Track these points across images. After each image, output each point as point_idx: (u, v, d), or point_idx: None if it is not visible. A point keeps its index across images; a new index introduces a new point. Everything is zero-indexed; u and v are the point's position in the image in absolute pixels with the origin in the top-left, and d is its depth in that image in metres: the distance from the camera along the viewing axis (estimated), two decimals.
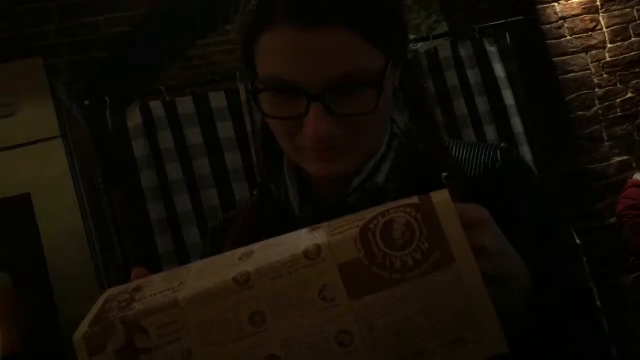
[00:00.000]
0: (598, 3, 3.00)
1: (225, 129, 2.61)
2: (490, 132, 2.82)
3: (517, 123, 2.85)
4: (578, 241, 2.62)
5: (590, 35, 2.99)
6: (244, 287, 0.48)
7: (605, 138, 2.94)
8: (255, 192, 0.78)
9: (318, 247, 0.48)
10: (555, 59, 2.94)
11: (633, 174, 2.81)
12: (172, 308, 0.49)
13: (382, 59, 0.62)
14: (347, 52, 0.59)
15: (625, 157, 2.93)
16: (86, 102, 2.60)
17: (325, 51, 0.59)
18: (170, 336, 0.48)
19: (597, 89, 2.96)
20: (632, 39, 3.03)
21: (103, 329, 0.49)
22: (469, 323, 0.47)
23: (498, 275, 0.51)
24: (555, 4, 2.97)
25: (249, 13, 0.63)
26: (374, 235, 0.48)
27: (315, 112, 0.60)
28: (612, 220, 2.80)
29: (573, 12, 2.98)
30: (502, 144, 0.72)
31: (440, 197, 0.49)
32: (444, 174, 0.65)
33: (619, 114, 2.97)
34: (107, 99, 2.54)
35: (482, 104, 2.84)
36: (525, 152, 2.79)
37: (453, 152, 0.72)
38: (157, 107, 2.58)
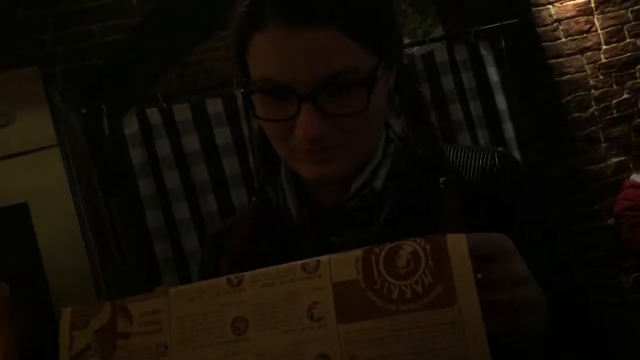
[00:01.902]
0: (592, 5, 3.01)
1: (222, 136, 2.62)
2: (482, 136, 2.83)
3: (509, 128, 2.86)
4: None
5: (586, 37, 3.00)
6: (235, 289, 0.47)
7: (602, 139, 2.94)
8: (253, 199, 0.78)
9: (318, 262, 0.47)
10: (550, 61, 2.95)
11: (630, 175, 2.81)
12: (161, 297, 0.48)
13: (373, 59, 0.62)
14: (336, 52, 0.59)
15: (622, 158, 2.93)
16: (83, 111, 2.60)
17: (314, 51, 0.59)
18: (151, 326, 0.48)
19: (593, 91, 2.97)
20: (627, 40, 3.04)
21: (91, 307, 0.49)
22: None
23: (534, 301, 0.52)
24: (550, 6, 2.98)
25: (240, 15, 0.63)
26: (378, 259, 0.45)
27: (305, 112, 0.60)
28: (610, 221, 2.81)
29: (568, 15, 2.99)
30: (499, 148, 0.72)
31: (455, 236, 0.45)
32: (442, 178, 0.65)
33: (615, 115, 2.97)
34: (103, 107, 2.54)
35: (475, 108, 2.85)
36: (517, 157, 2.80)
37: (450, 156, 0.72)
38: (154, 114, 2.58)
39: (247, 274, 0.48)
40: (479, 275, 0.48)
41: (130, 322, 0.48)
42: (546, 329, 0.56)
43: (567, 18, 2.99)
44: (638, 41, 3.05)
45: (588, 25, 3.01)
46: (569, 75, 2.95)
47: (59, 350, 0.49)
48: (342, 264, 0.46)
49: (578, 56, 2.97)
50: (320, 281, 0.46)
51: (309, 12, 0.58)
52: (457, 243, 0.45)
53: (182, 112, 2.61)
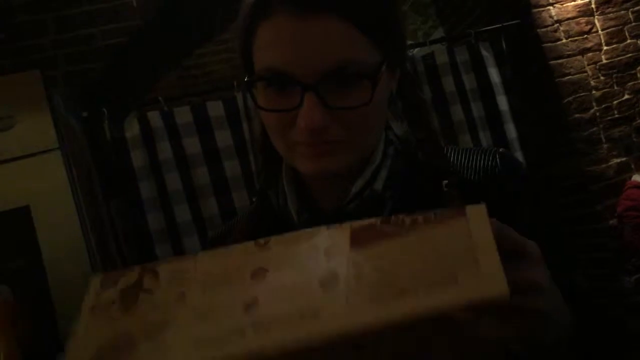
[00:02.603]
0: (593, 6, 3.01)
1: (223, 138, 2.61)
2: (484, 138, 2.83)
3: (511, 129, 2.86)
4: None
5: (586, 38, 3.00)
6: (262, 248, 0.49)
7: (603, 140, 2.94)
8: (254, 199, 0.78)
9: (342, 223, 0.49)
10: (551, 62, 2.94)
11: (632, 176, 2.81)
12: (189, 260, 0.50)
13: (378, 55, 0.62)
14: (342, 43, 0.59)
15: (623, 159, 2.93)
16: (84, 114, 2.60)
17: (320, 41, 0.59)
18: (176, 282, 0.49)
19: (594, 92, 2.97)
20: (628, 41, 3.04)
21: (121, 271, 0.51)
22: (466, 263, 0.43)
23: (548, 314, 0.50)
24: (551, 7, 2.98)
25: (247, 4, 0.63)
26: (398, 213, 0.48)
27: (309, 102, 0.59)
28: (612, 222, 2.80)
29: (568, 16, 2.99)
30: (500, 149, 0.72)
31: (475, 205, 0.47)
32: (445, 181, 0.65)
33: (616, 116, 2.97)
34: (104, 110, 2.54)
35: (477, 109, 2.85)
36: (519, 158, 2.80)
37: (452, 158, 0.71)
38: (155, 117, 2.58)
39: (274, 237, 0.50)
40: None
41: (157, 280, 0.50)
42: (559, 344, 0.54)
43: (568, 19, 2.99)
44: (639, 42, 3.05)
45: (589, 26, 3.01)
46: (569, 76, 2.95)
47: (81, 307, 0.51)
48: (363, 220, 0.49)
49: (579, 57, 2.97)
50: (341, 230, 0.48)
51: (317, 1, 0.58)
52: (476, 207, 0.46)
53: (183, 114, 2.61)
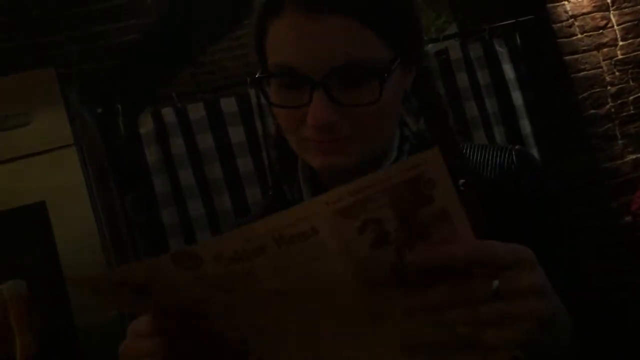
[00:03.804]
0: (609, 1, 2.98)
1: (236, 134, 2.62)
2: (498, 134, 2.82)
3: (525, 125, 2.84)
4: None
5: (602, 33, 2.97)
6: None
7: (619, 136, 2.91)
8: (270, 193, 0.78)
9: None
10: (566, 57, 2.92)
11: None
12: None
13: (389, 53, 0.62)
14: (352, 41, 0.60)
15: (639, 155, 2.90)
16: (99, 110, 2.62)
17: (330, 38, 0.59)
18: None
19: (609, 87, 2.94)
20: None
21: None
22: None
23: (553, 314, 0.49)
24: (566, 2, 2.95)
25: (260, 2, 0.65)
26: None
27: (317, 99, 0.60)
28: (628, 218, 2.78)
29: (584, 11, 2.96)
30: (517, 146, 0.72)
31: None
32: (462, 180, 0.65)
33: (632, 111, 2.94)
34: (119, 106, 2.56)
35: (491, 105, 2.83)
36: (534, 154, 2.78)
37: (468, 155, 0.71)
38: (168, 113, 2.59)
39: None
40: (496, 282, 0.47)
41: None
42: (563, 351, 0.54)
43: (583, 14, 2.96)
44: None
45: (604, 21, 2.98)
46: (585, 72, 2.93)
47: None
48: None
49: (594, 52, 2.95)
50: None
51: (327, 0, 0.59)
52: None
53: (197, 111, 2.62)
